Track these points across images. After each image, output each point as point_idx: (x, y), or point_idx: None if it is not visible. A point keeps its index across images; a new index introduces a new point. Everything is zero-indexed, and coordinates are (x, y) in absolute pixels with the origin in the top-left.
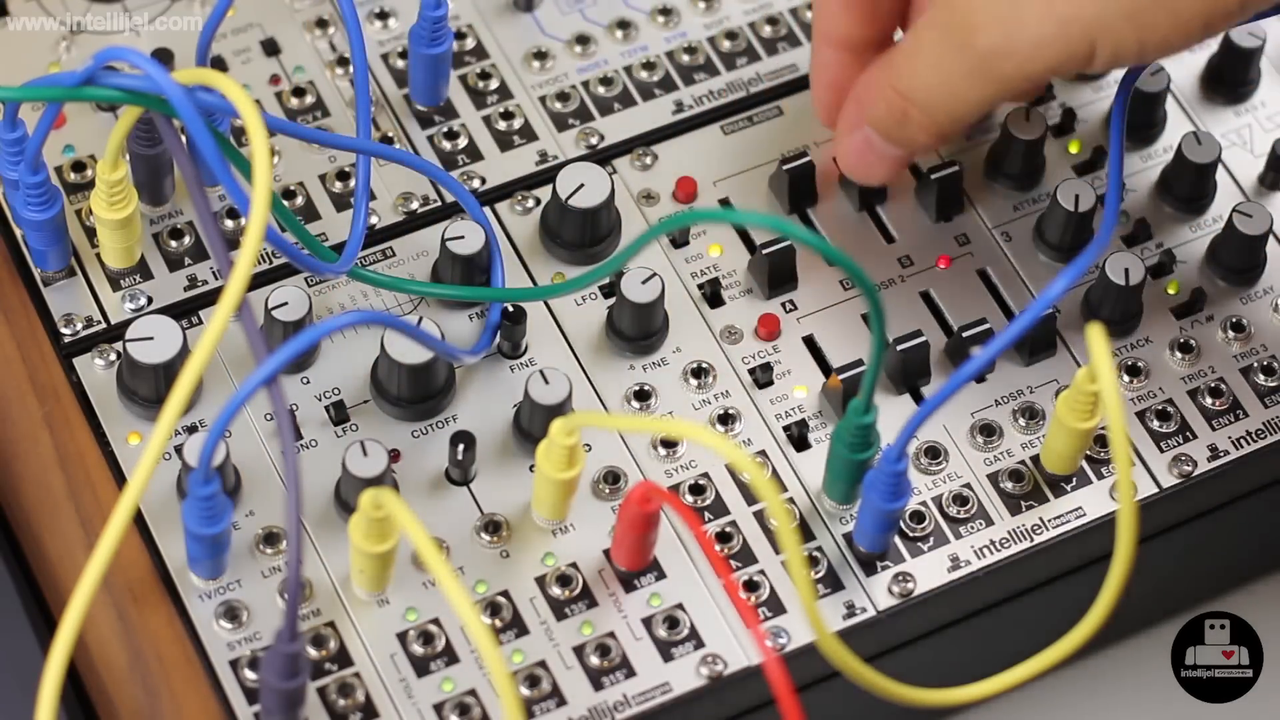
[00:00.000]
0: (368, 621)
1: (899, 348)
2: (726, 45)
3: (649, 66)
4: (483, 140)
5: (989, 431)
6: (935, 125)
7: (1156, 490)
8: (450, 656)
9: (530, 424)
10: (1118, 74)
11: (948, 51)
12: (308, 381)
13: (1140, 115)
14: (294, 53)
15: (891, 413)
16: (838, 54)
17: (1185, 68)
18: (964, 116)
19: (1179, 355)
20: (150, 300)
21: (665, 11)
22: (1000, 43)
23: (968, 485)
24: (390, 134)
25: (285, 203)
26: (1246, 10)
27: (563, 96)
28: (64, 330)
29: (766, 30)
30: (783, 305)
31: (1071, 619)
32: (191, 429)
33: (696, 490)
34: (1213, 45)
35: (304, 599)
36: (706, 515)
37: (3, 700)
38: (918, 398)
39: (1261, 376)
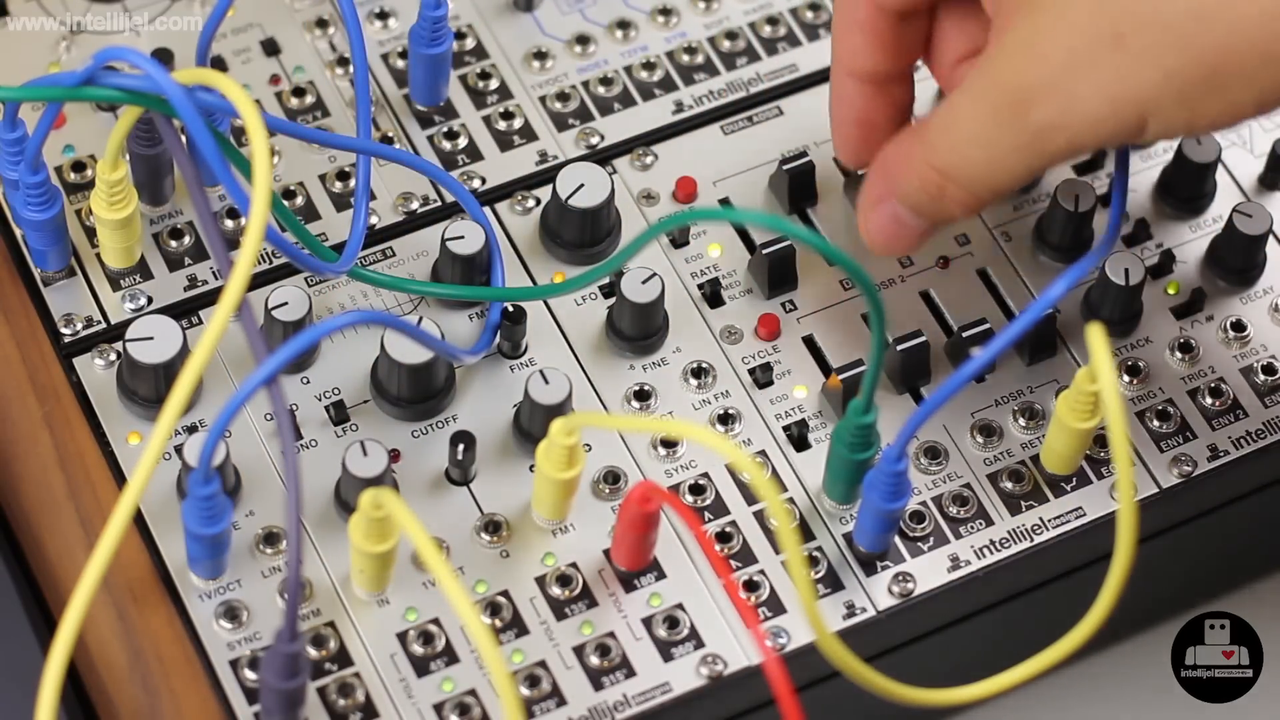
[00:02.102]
0: (368, 621)
1: (899, 348)
2: (726, 45)
3: (649, 66)
4: (483, 140)
5: (989, 431)
6: (975, 200)
7: (1156, 490)
8: (450, 656)
9: (530, 424)
10: None
11: (995, 125)
12: (308, 381)
13: None
14: (294, 53)
15: (891, 413)
16: (860, 87)
17: None
18: (1005, 190)
19: (1179, 355)
20: (150, 300)
21: (665, 11)
22: (1055, 118)
23: (968, 485)
24: (390, 134)
25: (285, 203)
26: None
27: (563, 96)
28: (64, 330)
29: (766, 30)
30: (783, 305)
31: (1071, 619)
32: (191, 429)
33: (696, 490)
34: None
35: (304, 599)
36: (706, 515)
37: (3, 700)
38: (918, 398)
39: (1261, 376)
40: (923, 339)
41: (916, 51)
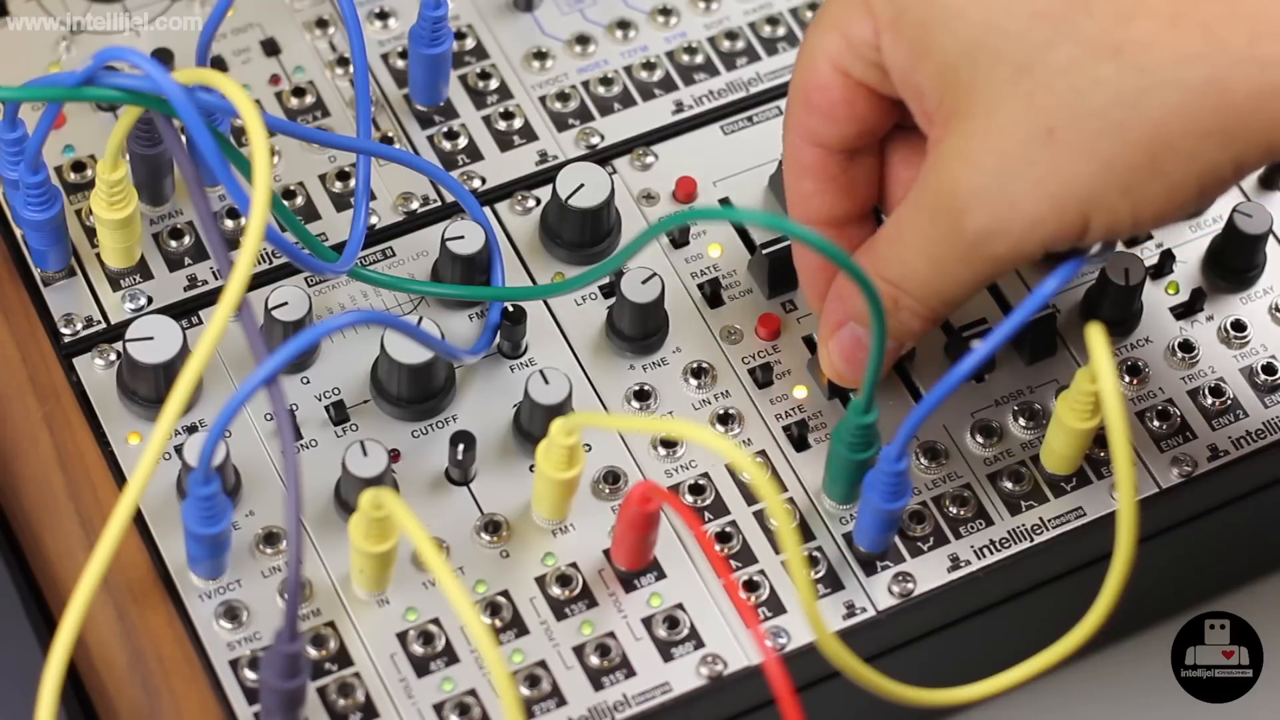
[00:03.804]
0: (368, 621)
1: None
2: (726, 45)
3: (649, 66)
4: (483, 140)
5: (989, 431)
6: (929, 311)
7: (1156, 490)
8: (450, 656)
9: (530, 424)
10: None
11: (936, 236)
12: (308, 381)
13: None
14: (294, 53)
15: (892, 413)
16: (822, 233)
17: None
18: (959, 299)
19: (1179, 355)
20: (150, 300)
21: (665, 11)
22: (990, 224)
23: (968, 485)
24: (390, 134)
25: (285, 203)
26: (1240, 174)
27: (563, 96)
28: (64, 330)
29: (766, 30)
30: (783, 305)
31: (1071, 619)
32: (191, 429)
33: (696, 490)
34: None
35: (304, 599)
36: (706, 515)
37: (3, 700)
38: (918, 397)
39: (1261, 376)
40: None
41: (871, 191)
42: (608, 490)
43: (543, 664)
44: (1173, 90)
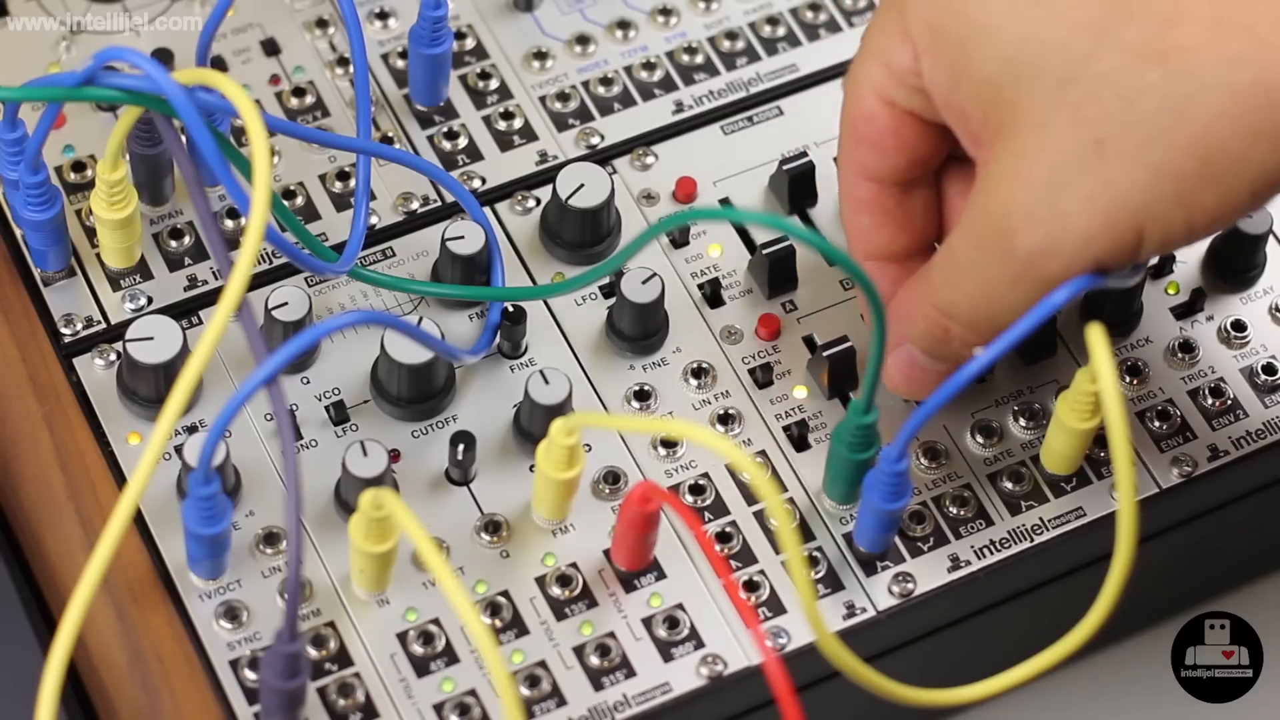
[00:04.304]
0: (368, 621)
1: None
2: (726, 45)
3: (649, 66)
4: (483, 140)
5: (989, 431)
6: (979, 337)
7: (1156, 490)
8: (450, 656)
9: (530, 424)
10: None
11: (986, 260)
12: (308, 381)
13: None
14: (294, 53)
15: (892, 413)
16: (884, 269)
17: None
18: (1008, 322)
19: (1179, 355)
20: (150, 300)
21: (665, 11)
22: (1042, 243)
23: (968, 485)
24: (390, 134)
25: (285, 203)
26: None
27: (563, 96)
28: (64, 330)
29: (766, 30)
30: (783, 305)
31: (1071, 619)
32: (191, 429)
33: (696, 490)
34: None
35: (304, 599)
36: (706, 515)
37: (3, 700)
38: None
39: (1262, 376)
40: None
41: (930, 224)
42: (608, 490)
43: (543, 664)
44: (1220, 93)
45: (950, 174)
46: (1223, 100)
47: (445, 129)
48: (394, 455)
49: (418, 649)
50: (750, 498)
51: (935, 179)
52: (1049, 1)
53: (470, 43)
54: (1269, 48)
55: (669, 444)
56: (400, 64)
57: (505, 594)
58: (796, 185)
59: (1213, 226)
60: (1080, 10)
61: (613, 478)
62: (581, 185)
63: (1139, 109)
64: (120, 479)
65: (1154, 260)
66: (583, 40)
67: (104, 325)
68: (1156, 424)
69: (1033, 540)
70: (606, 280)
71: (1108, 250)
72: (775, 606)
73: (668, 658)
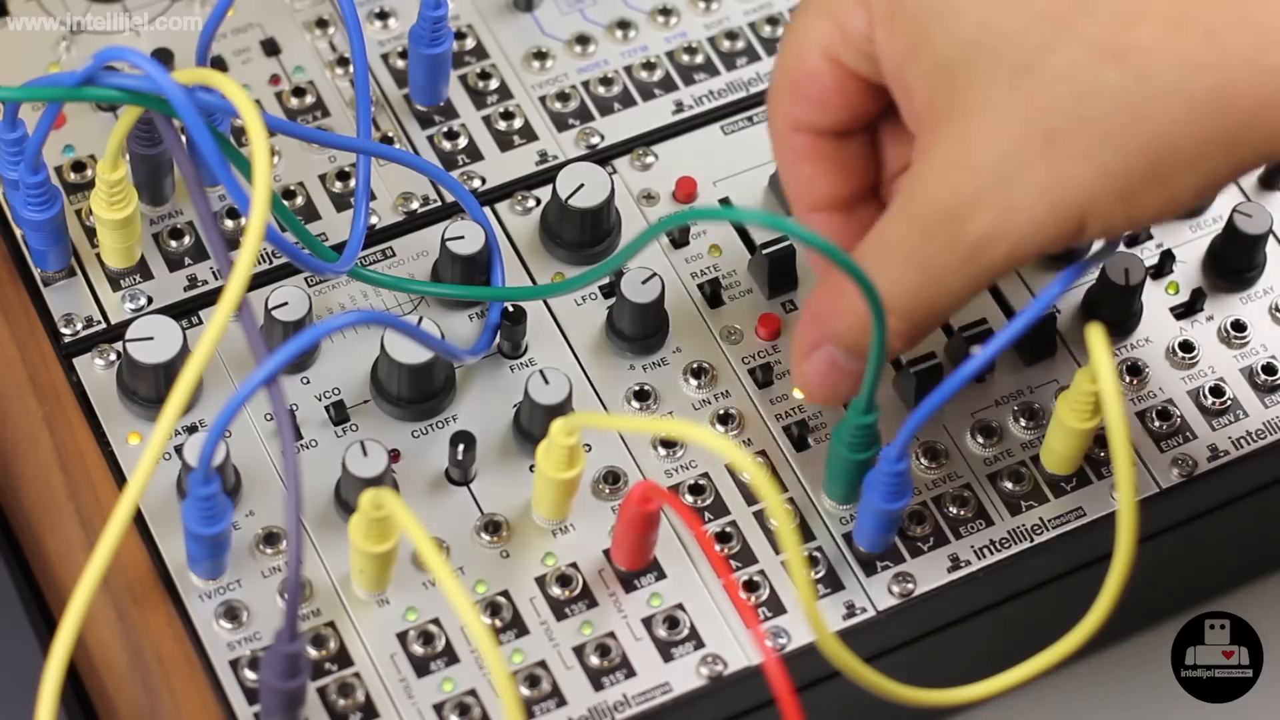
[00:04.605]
0: (368, 621)
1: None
2: (726, 45)
3: (649, 66)
4: (483, 140)
5: (989, 431)
6: (914, 329)
7: (1156, 490)
8: (450, 656)
9: (530, 424)
10: None
11: (930, 245)
12: (308, 381)
13: None
14: (294, 53)
15: (892, 413)
16: (829, 219)
17: None
18: (948, 312)
19: (1179, 355)
20: (150, 300)
21: (665, 11)
22: (993, 228)
23: (967, 485)
24: (390, 134)
25: (285, 203)
26: (1237, 175)
27: (563, 96)
28: (64, 330)
29: (766, 30)
30: (783, 305)
31: (1071, 619)
32: (191, 429)
33: (696, 490)
34: None
35: (304, 599)
36: (706, 515)
37: (3, 700)
38: (916, 400)
39: (1262, 376)
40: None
41: (869, 167)
42: (608, 490)
43: (543, 664)
44: (1177, 98)
45: (886, 122)
46: (1178, 106)
47: (445, 129)
48: (394, 455)
49: (418, 649)
50: (750, 498)
51: (871, 126)
52: None
53: (470, 43)
54: (1229, 53)
55: (669, 444)
56: (400, 64)
57: (505, 594)
58: None
59: (1155, 220)
60: (1043, 0)
61: (613, 478)
62: (581, 185)
63: (1093, 106)
64: (120, 479)
65: (1153, 260)
66: (583, 40)
67: (104, 325)
68: (1156, 424)
69: (1033, 540)
70: (606, 280)
71: (1052, 238)
72: (775, 606)
73: (668, 658)
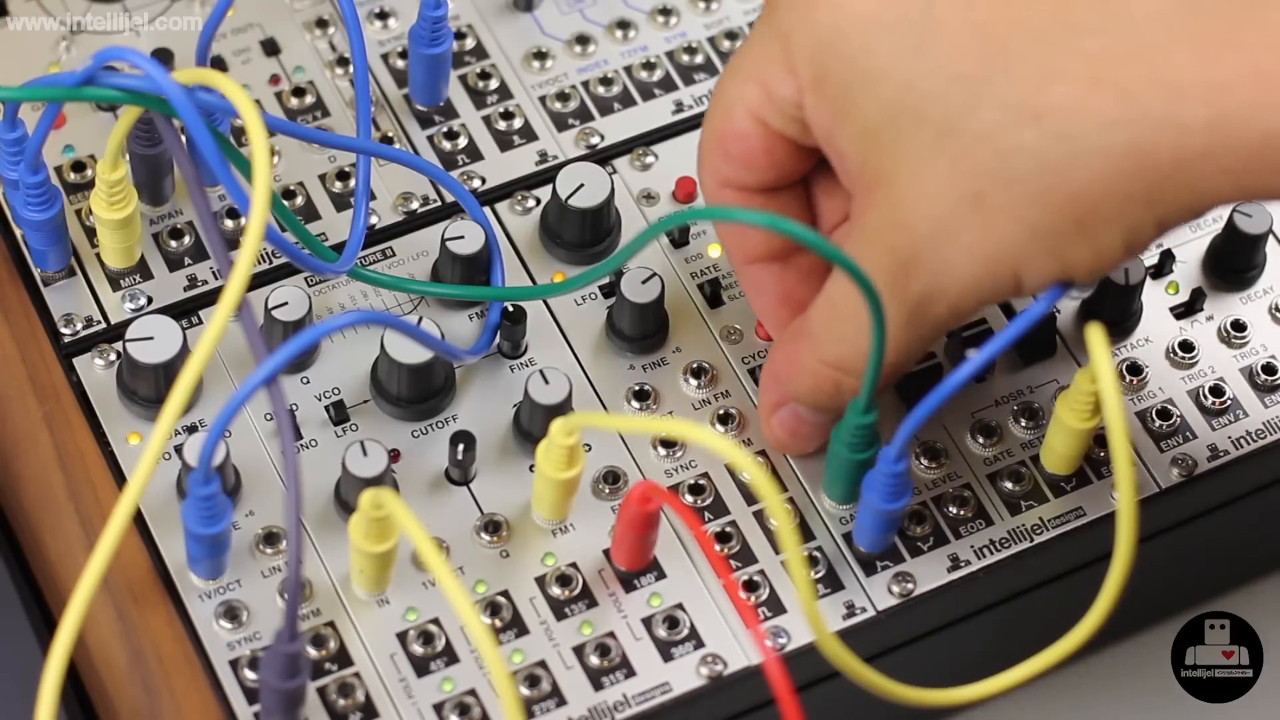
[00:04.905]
0: (368, 621)
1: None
2: (726, 45)
3: (649, 66)
4: (483, 140)
5: (989, 431)
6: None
7: (1156, 490)
8: (450, 656)
9: (530, 424)
10: None
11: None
12: (308, 381)
13: None
14: (294, 53)
15: (891, 413)
16: (767, 268)
17: None
18: (900, 368)
19: (1179, 355)
20: (150, 300)
21: (665, 11)
22: (932, 285)
23: (967, 485)
24: (390, 134)
25: (285, 203)
26: (1163, 230)
27: (563, 96)
28: (64, 330)
29: None
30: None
31: (1071, 619)
32: (191, 429)
33: (696, 490)
34: None
35: (304, 599)
36: (706, 515)
37: (3, 700)
38: (912, 403)
39: (1262, 376)
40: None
41: (805, 218)
42: (608, 490)
43: (543, 664)
44: (1095, 157)
45: (816, 177)
46: (1096, 164)
47: (445, 129)
48: (394, 455)
49: (418, 649)
50: (750, 498)
51: (803, 183)
52: (931, 51)
53: (470, 43)
54: (1144, 113)
55: (669, 444)
56: (400, 64)
57: (505, 594)
58: None
59: (1091, 274)
60: (960, 62)
61: (613, 478)
62: (581, 185)
63: (1015, 167)
64: (120, 479)
65: (1153, 260)
66: (583, 40)
67: (104, 325)
68: (1156, 424)
69: (1033, 540)
70: (606, 280)
71: (989, 293)
72: (775, 606)
73: (668, 658)
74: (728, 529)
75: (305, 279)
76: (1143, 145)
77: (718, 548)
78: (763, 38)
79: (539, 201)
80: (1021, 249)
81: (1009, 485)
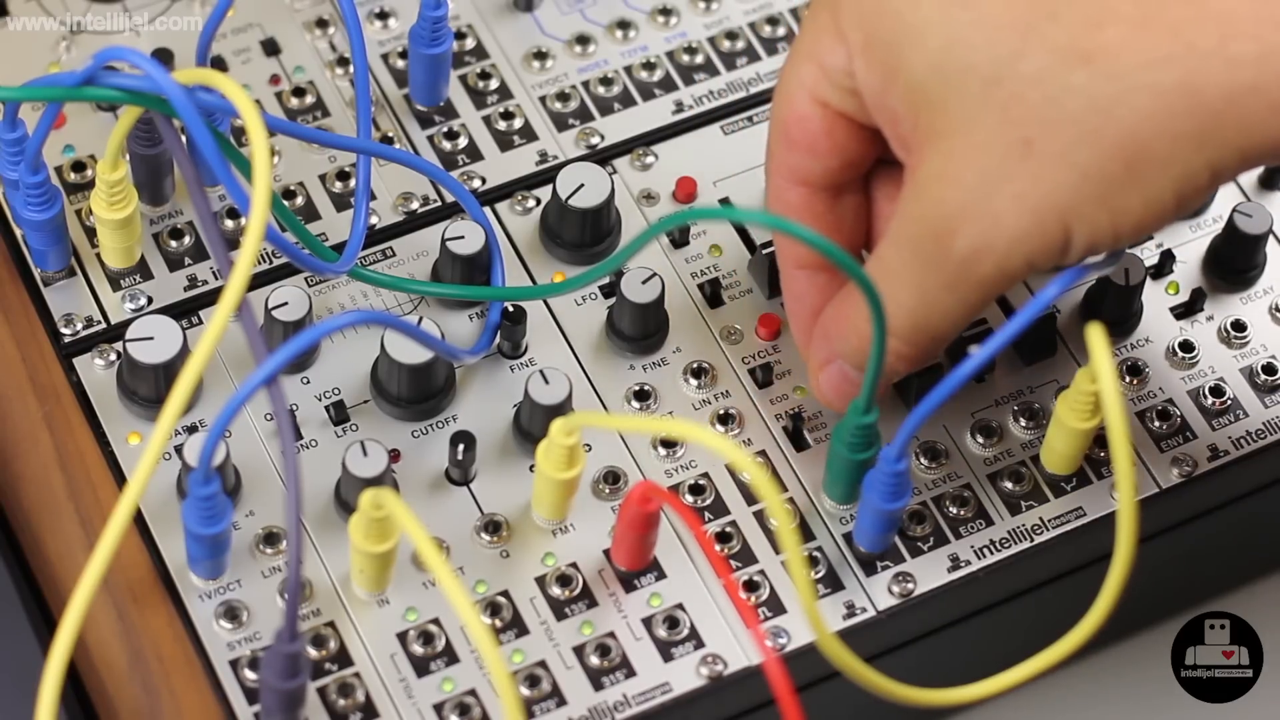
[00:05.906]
0: (368, 621)
1: None
2: (726, 45)
3: (649, 66)
4: (483, 140)
5: (989, 431)
6: (915, 350)
7: (1156, 490)
8: (450, 656)
9: (530, 424)
10: None
11: (920, 264)
12: (308, 381)
13: None
14: (294, 53)
15: (891, 413)
16: (812, 277)
17: None
18: (946, 333)
19: (1179, 355)
20: (150, 300)
21: (665, 11)
22: (976, 243)
23: (968, 485)
24: (390, 134)
25: (285, 203)
26: (1217, 182)
27: (563, 96)
28: (64, 330)
29: (766, 30)
30: (783, 305)
31: (1071, 619)
32: (191, 429)
33: (696, 490)
34: None
35: (304, 599)
36: (706, 515)
37: (3, 700)
38: (914, 402)
39: (1262, 376)
40: None
41: (860, 229)
42: (608, 490)
43: (543, 664)
44: (1145, 94)
45: (879, 179)
46: (1147, 102)
47: (445, 129)
48: (394, 455)
49: (418, 649)
50: (750, 498)
51: (864, 185)
52: (977, 2)
53: (470, 43)
54: (1193, 50)
55: (669, 444)
56: (400, 64)
57: (505, 594)
58: None
59: (1138, 230)
60: (1007, 11)
61: (613, 478)
62: (581, 185)
63: (1065, 109)
64: (120, 479)
65: (1153, 261)
66: (583, 40)
67: (104, 325)
68: (1156, 424)
69: (1033, 540)
70: (606, 280)
71: (1038, 250)
72: (775, 606)
73: (668, 658)
74: (728, 529)
75: (305, 279)
76: (1192, 82)
77: (718, 548)
78: (815, 13)
79: (539, 201)
80: (1071, 197)
81: (1009, 485)
